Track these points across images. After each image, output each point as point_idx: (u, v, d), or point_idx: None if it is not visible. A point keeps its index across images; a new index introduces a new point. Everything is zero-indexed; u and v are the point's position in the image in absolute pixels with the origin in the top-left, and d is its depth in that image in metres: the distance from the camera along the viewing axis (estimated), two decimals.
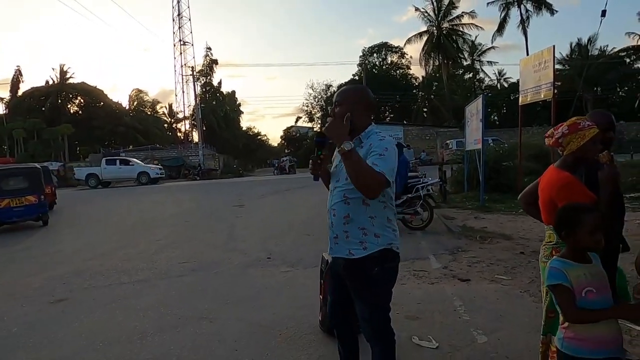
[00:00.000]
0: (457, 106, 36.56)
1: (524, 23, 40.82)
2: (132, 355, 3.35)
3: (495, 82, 54.31)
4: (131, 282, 5.52)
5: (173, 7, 47.43)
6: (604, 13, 8.96)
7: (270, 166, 35.34)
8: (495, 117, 51.08)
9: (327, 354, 3.10)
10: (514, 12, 41.32)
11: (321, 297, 3.55)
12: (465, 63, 48.78)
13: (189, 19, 54.21)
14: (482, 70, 50.75)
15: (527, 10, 40.92)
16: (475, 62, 49.09)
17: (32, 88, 47.33)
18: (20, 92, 46.87)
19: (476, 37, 46.21)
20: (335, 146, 2.05)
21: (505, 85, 52.19)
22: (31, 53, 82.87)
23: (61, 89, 46.61)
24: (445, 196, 11.23)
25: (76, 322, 4.19)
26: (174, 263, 6.39)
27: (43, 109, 44.78)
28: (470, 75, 51.57)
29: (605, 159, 2.15)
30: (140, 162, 28.41)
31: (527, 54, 30.52)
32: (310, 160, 2.20)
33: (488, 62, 48.68)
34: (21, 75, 47.37)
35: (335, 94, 2.23)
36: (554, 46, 9.90)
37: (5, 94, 46.98)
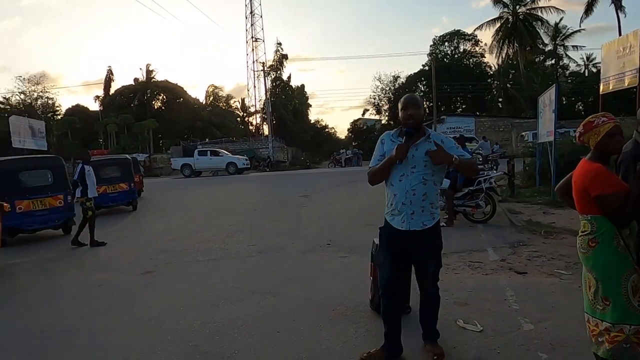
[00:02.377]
0: (536, 95, 34.17)
1: (617, 1, 37.00)
2: (206, 319, 3.90)
3: (582, 68, 49.94)
4: (206, 260, 6.21)
5: (246, 6, 49.50)
6: None
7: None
8: (581, 107, 47.06)
9: (374, 329, 3.38)
10: None
11: (371, 277, 3.83)
12: (546, 49, 45.32)
13: (261, 16, 56.15)
14: (567, 55, 46.86)
15: None
16: (558, 47, 45.44)
17: (122, 86, 52.14)
18: (112, 91, 51.87)
19: (560, 19, 42.73)
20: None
21: (594, 71, 47.78)
22: (120, 54, 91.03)
23: (147, 87, 50.79)
24: (514, 190, 10.85)
25: (161, 291, 4.89)
26: (243, 246, 7.01)
27: (132, 105, 49.23)
28: (552, 61, 47.86)
29: None
30: (228, 153, 29.80)
31: (621, 35, 27.69)
32: (399, 147, 2.73)
33: (573, 46, 44.81)
34: (112, 74, 52.41)
35: (413, 98, 2.84)
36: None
37: (100, 92, 52.36)
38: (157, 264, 6.16)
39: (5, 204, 7.12)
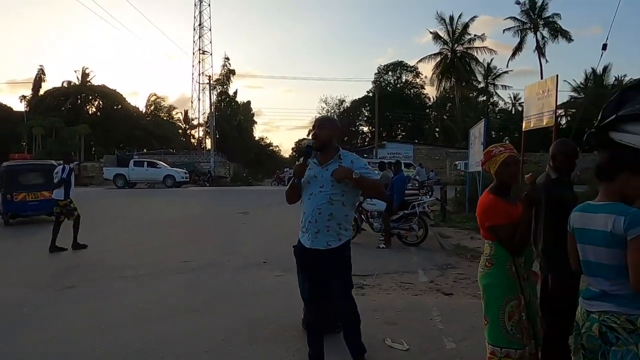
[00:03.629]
0: (469, 128, 36.56)
1: (539, 49, 41.16)
2: (128, 339, 3.68)
3: (510, 106, 54.47)
4: (133, 276, 5.89)
5: (195, 17, 48.78)
6: (604, 47, 9.23)
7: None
8: (507, 141, 50.98)
9: (304, 349, 3.36)
10: (531, 38, 41.70)
11: None
12: (479, 86, 49.06)
13: (210, 29, 55.47)
14: (496, 93, 51.01)
15: (543, 37, 41.30)
16: (490, 85, 49.37)
17: (53, 88, 48.69)
18: (42, 92, 48.29)
19: (491, 60, 46.54)
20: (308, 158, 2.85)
21: (519, 109, 52.27)
22: (55, 54, 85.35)
23: (81, 90, 47.89)
24: (445, 215, 11.46)
25: (81, 308, 4.55)
26: (175, 262, 6.74)
27: (63, 108, 46.03)
28: (484, 98, 51.81)
29: (528, 181, 2.39)
30: (167, 165, 28.34)
31: (542, 79, 30.58)
32: (295, 166, 2.84)
33: (502, 86, 48.93)
34: (44, 74, 48.77)
35: (321, 119, 2.98)
36: (557, 76, 10.09)
37: (28, 92, 48.53)
38: (79, 278, 5.75)
39: None
